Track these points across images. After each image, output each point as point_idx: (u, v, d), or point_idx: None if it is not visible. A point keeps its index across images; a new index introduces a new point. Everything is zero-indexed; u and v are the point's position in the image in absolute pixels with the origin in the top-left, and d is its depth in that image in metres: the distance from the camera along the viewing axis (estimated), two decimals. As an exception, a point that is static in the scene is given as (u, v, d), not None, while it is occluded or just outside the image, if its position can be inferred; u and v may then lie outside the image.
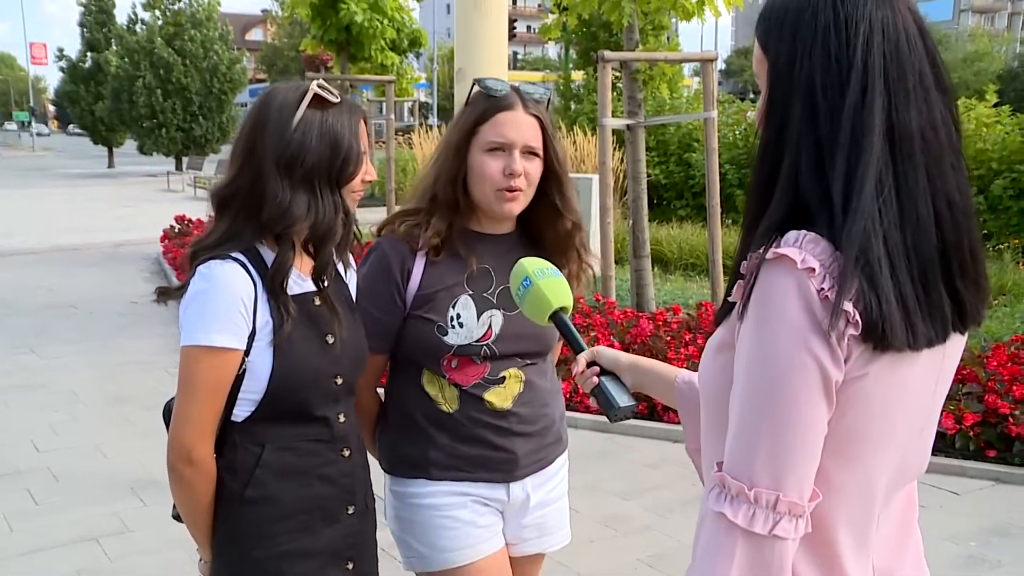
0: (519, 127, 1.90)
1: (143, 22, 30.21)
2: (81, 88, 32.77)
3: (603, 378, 1.56)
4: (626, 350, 5.70)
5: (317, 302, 1.77)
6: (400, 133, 22.08)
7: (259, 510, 1.73)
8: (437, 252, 1.95)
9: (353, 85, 14.22)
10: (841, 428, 1.08)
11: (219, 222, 1.74)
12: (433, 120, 44.60)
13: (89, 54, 32.98)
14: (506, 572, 2.06)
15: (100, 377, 6.52)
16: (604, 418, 5.61)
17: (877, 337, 1.03)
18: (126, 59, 29.10)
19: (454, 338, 1.94)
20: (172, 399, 1.75)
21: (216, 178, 14.82)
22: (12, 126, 70.43)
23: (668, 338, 5.87)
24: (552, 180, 1.98)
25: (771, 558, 1.05)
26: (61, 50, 34.14)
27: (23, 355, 7.13)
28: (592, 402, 1.61)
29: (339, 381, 1.79)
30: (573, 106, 19.13)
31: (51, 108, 77.28)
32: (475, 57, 7.01)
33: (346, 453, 1.82)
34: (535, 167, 1.93)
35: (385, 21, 15.40)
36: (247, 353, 1.67)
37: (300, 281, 1.77)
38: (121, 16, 32.63)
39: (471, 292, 1.96)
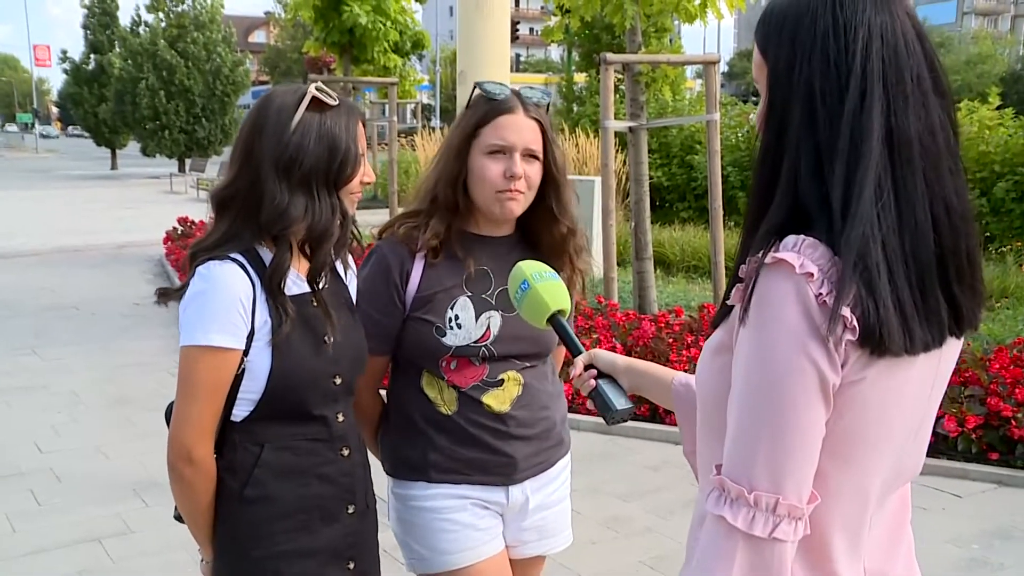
0: (520, 130, 1.91)
1: (146, 24, 30.28)
2: (84, 90, 32.85)
3: (600, 381, 1.56)
4: (628, 352, 5.70)
5: (315, 303, 1.78)
6: (403, 135, 22.10)
7: (258, 509, 1.73)
8: (436, 254, 1.96)
9: (356, 87, 14.24)
10: (838, 431, 1.08)
11: (218, 223, 1.76)
12: (436, 122, 44.62)
13: (92, 56, 33.05)
14: (506, 574, 2.06)
15: (102, 378, 6.53)
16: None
17: (874, 342, 1.04)
18: (129, 61, 29.16)
19: (452, 339, 1.94)
20: (173, 401, 1.75)
21: (218, 180, 14.81)
22: (13, 128, 70.45)
23: (670, 340, 5.87)
24: (550, 184, 1.98)
25: (771, 560, 1.05)
26: (65, 52, 34.19)
27: (25, 356, 7.14)
28: (589, 404, 1.62)
29: (338, 381, 1.79)
30: (575, 108, 19.15)
31: (55, 110, 77.46)
32: (477, 59, 7.02)
33: (345, 452, 1.82)
34: (535, 170, 1.94)
35: (388, 23, 15.44)
36: (246, 353, 1.68)
37: (298, 282, 1.78)
38: (124, 18, 32.75)
39: (470, 294, 1.96)
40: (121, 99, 29.43)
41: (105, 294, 9.67)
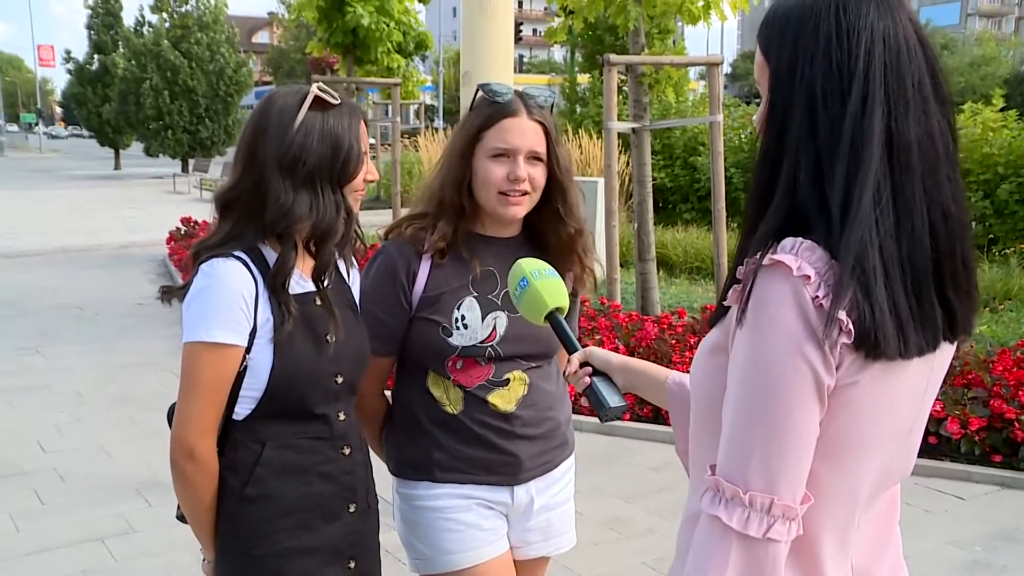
0: (523, 133, 1.91)
1: (150, 25, 30.35)
2: (88, 90, 32.91)
3: (595, 378, 1.57)
4: (631, 353, 5.69)
5: (318, 302, 1.79)
6: (406, 136, 22.11)
7: (259, 508, 1.74)
8: (442, 255, 1.97)
9: (359, 88, 14.25)
10: (830, 433, 1.09)
11: (222, 224, 1.77)
12: (439, 123, 44.65)
13: (96, 56, 33.11)
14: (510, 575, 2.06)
15: (105, 378, 6.54)
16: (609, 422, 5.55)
17: (869, 346, 1.05)
18: (133, 61, 29.22)
19: (459, 339, 1.94)
20: (175, 403, 1.76)
21: (222, 180, 14.82)
22: (14, 128, 70.43)
23: (673, 341, 5.87)
24: (555, 186, 1.99)
25: (765, 560, 1.06)
26: (68, 52, 34.24)
27: (28, 356, 7.15)
28: (583, 401, 1.63)
29: (339, 380, 1.80)
30: (578, 109, 19.16)
31: (58, 110, 77.57)
32: (481, 60, 7.02)
33: (346, 451, 1.83)
34: (539, 172, 1.94)
35: (391, 24, 15.44)
36: (248, 351, 1.69)
37: (301, 281, 1.79)
38: (128, 18, 32.82)
39: (476, 294, 1.97)
40: (125, 99, 29.49)
41: (108, 294, 9.69)
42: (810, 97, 1.09)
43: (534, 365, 2.04)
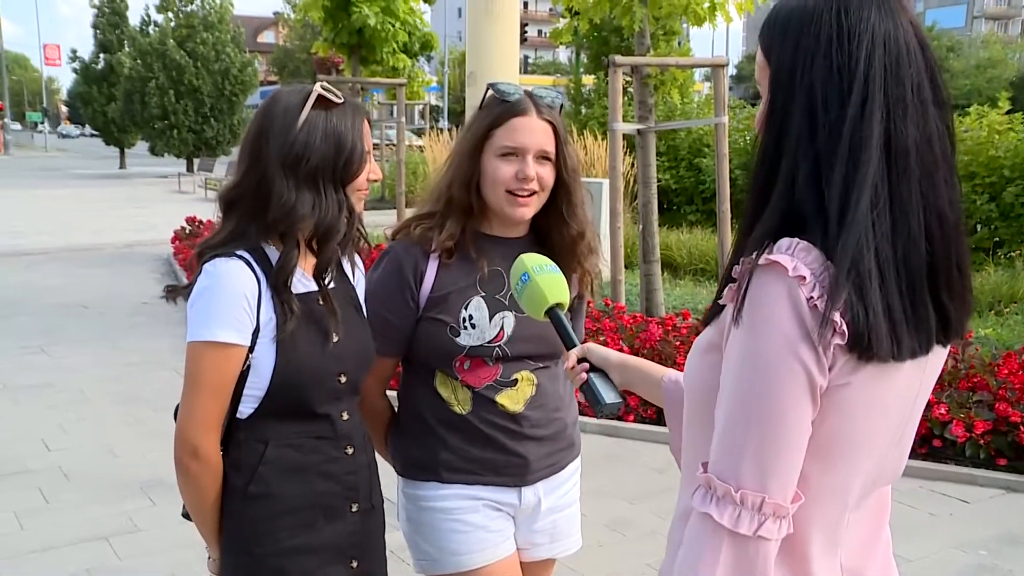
0: (532, 132, 1.91)
1: (156, 24, 30.36)
2: (94, 89, 32.93)
3: (592, 375, 1.58)
4: (635, 355, 5.68)
5: (321, 301, 1.80)
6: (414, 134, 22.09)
7: (261, 506, 1.75)
8: (450, 255, 1.97)
9: (364, 88, 14.26)
10: (821, 434, 1.10)
11: (225, 223, 1.78)
12: (444, 123, 44.65)
13: (102, 55, 33.14)
14: None
15: (109, 377, 6.55)
16: (612, 422, 5.55)
17: (862, 347, 1.05)
18: (139, 61, 29.24)
19: (466, 339, 1.94)
20: None
21: (226, 180, 14.74)
22: (17, 127, 70.41)
23: (677, 343, 5.86)
24: (560, 187, 1.99)
25: (755, 559, 1.07)
26: (74, 51, 34.31)
27: (33, 355, 7.16)
28: (580, 397, 1.65)
29: (343, 380, 1.81)
30: (583, 110, 19.16)
31: (64, 109, 77.65)
32: (486, 61, 7.02)
33: (349, 451, 1.83)
34: (548, 172, 1.94)
35: (397, 24, 15.45)
36: (251, 350, 1.70)
37: (305, 280, 1.80)
38: (134, 18, 32.81)
39: (483, 294, 1.97)
40: (130, 98, 29.51)
41: (113, 293, 9.70)
42: (809, 99, 1.10)
43: (542, 366, 2.03)
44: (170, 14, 29.61)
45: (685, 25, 8.83)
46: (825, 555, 1.17)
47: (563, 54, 59.40)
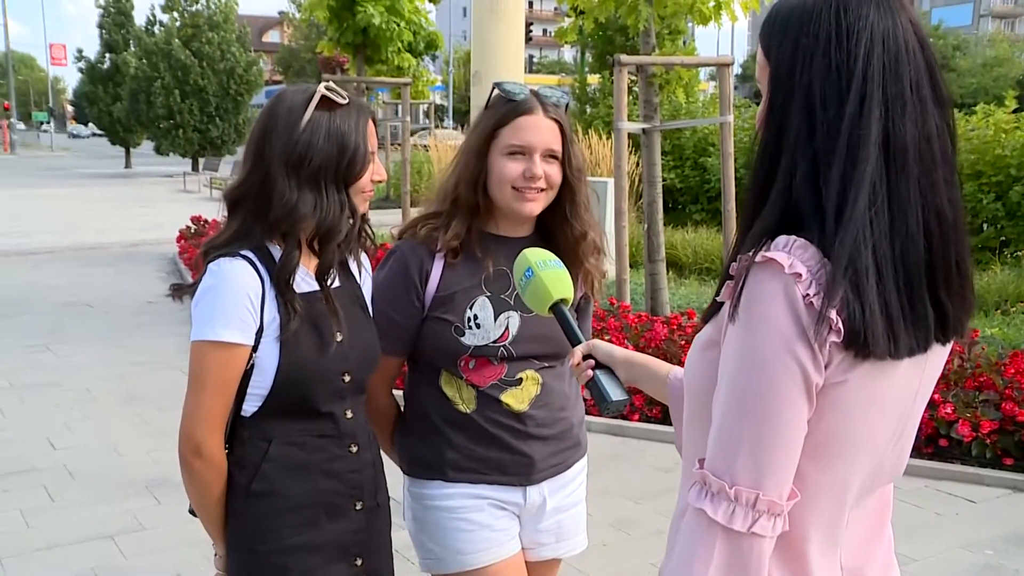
0: (539, 131, 1.91)
1: (161, 24, 30.42)
2: (99, 89, 33.01)
3: (597, 372, 1.58)
4: (640, 354, 5.67)
5: (325, 300, 1.80)
6: (416, 135, 22.11)
7: (264, 504, 1.75)
8: (455, 254, 1.96)
9: (369, 87, 14.26)
10: (819, 432, 1.10)
11: (230, 222, 1.79)
12: (448, 123, 44.66)
13: (108, 55, 33.21)
14: None
15: (115, 376, 6.56)
16: (618, 421, 5.54)
17: (858, 344, 1.05)
18: (144, 60, 29.30)
19: (471, 339, 1.94)
20: None
21: (231, 179, 14.72)
22: (21, 126, 70.42)
23: (682, 342, 5.85)
24: (564, 186, 1.98)
25: (749, 555, 1.07)
26: (80, 51, 34.36)
27: (39, 353, 7.18)
28: (586, 393, 1.64)
29: (347, 379, 1.81)
30: (588, 110, 19.14)
31: (70, 108, 77.82)
32: (491, 60, 7.03)
33: (353, 449, 1.84)
34: (555, 170, 1.94)
35: (402, 24, 15.46)
36: (255, 349, 1.70)
37: (308, 280, 1.80)
38: (139, 18, 32.89)
39: (488, 293, 1.97)
40: (136, 98, 29.57)
41: (119, 292, 9.72)
42: (808, 97, 1.10)
43: (547, 365, 2.03)
44: (175, 14, 29.65)
45: (690, 24, 8.82)
46: (824, 554, 1.17)
47: (568, 53, 59.39)
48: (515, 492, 2.02)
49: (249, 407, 1.75)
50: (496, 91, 1.96)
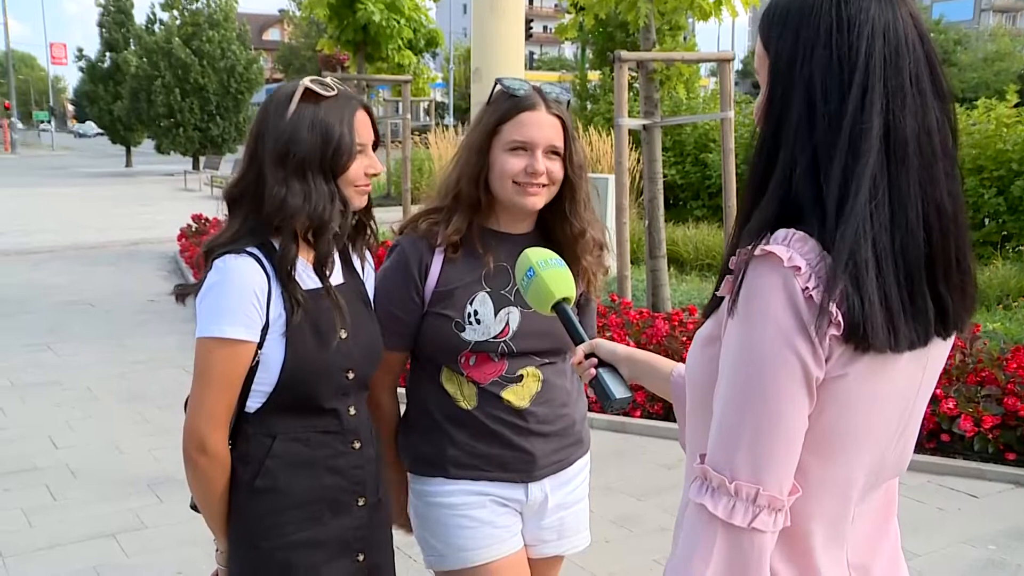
0: (541, 127, 1.91)
1: (161, 22, 30.43)
2: (100, 88, 33.02)
3: (600, 370, 1.57)
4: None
5: (327, 294, 1.80)
6: (416, 133, 22.11)
7: (268, 500, 1.76)
8: (455, 249, 1.96)
9: (369, 85, 14.26)
10: (819, 426, 1.09)
11: (231, 221, 1.80)
12: (449, 120, 44.64)
13: (108, 54, 33.22)
14: (524, 574, 2.05)
15: (116, 374, 6.56)
16: (619, 418, 5.54)
17: (858, 338, 1.05)
18: (144, 59, 29.30)
19: (471, 334, 1.94)
20: None
21: (232, 177, 14.67)
22: (19, 125, 70.24)
23: (683, 339, 5.85)
24: (565, 183, 1.98)
25: (750, 550, 1.07)
26: (81, 50, 34.37)
27: (40, 352, 7.18)
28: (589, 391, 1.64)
29: (350, 375, 1.81)
30: (589, 106, 19.11)
31: (70, 108, 77.79)
32: (491, 57, 7.01)
33: (356, 446, 1.84)
34: (557, 166, 1.94)
35: (402, 21, 15.45)
36: (260, 345, 1.71)
37: (313, 276, 1.80)
38: (140, 16, 32.93)
39: (488, 289, 1.96)
40: (136, 97, 29.57)
41: (120, 290, 9.73)
42: (809, 89, 1.09)
43: (548, 361, 2.03)
44: (175, 12, 29.64)
45: (691, 20, 8.80)
46: (829, 550, 1.16)
47: (568, 50, 59.36)
48: (517, 489, 2.02)
49: (253, 403, 1.75)
50: (498, 87, 1.96)
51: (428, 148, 18.46)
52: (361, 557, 1.86)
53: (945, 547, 3.90)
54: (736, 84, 8.92)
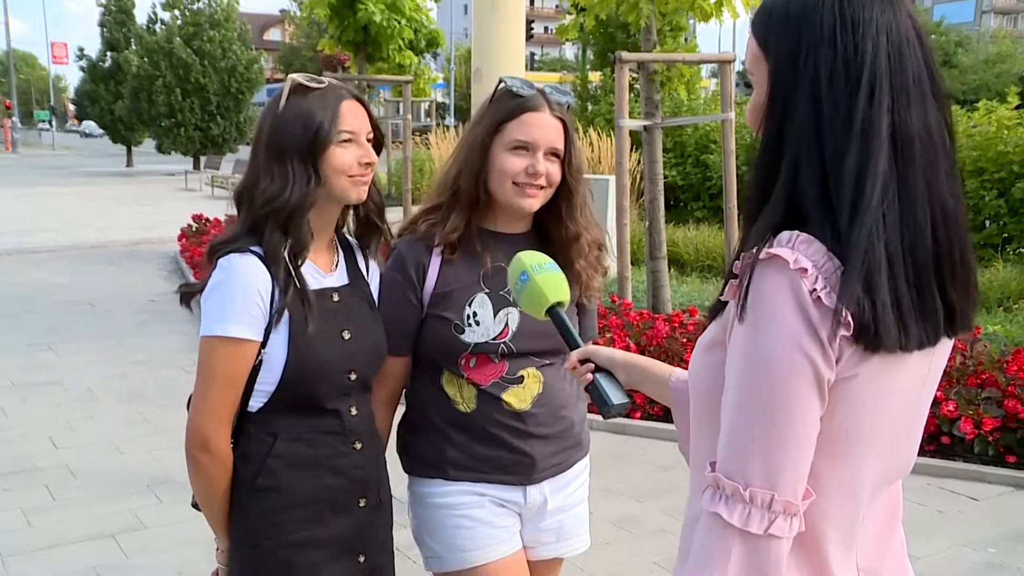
0: (544, 128, 1.91)
1: (162, 22, 30.41)
2: (101, 87, 33.01)
3: (598, 375, 1.56)
4: (642, 352, 5.68)
5: (336, 298, 1.82)
6: (417, 133, 22.11)
7: (269, 499, 1.76)
8: (453, 250, 1.96)
9: (370, 85, 14.26)
10: (831, 427, 1.09)
11: (238, 219, 1.81)
12: (450, 120, 44.65)
13: (109, 54, 33.21)
14: (523, 575, 2.05)
15: (116, 375, 6.56)
16: (619, 420, 5.53)
17: (869, 338, 1.04)
18: (145, 59, 29.29)
19: (471, 336, 1.94)
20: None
21: (233, 177, 14.75)
22: (19, 125, 70.05)
23: (684, 340, 5.84)
24: (562, 186, 1.98)
25: (767, 557, 1.06)
26: (82, 49, 34.36)
27: (40, 352, 7.18)
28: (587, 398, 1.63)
29: (353, 376, 1.82)
30: (590, 107, 19.11)
31: (71, 107, 77.80)
32: (492, 57, 7.00)
33: (357, 446, 1.84)
34: (556, 169, 1.94)
35: (403, 21, 15.42)
36: (264, 345, 1.71)
37: (319, 276, 1.81)
38: (141, 16, 32.91)
39: (487, 290, 1.96)
40: (137, 96, 29.56)
41: (120, 291, 9.72)
42: (814, 88, 1.09)
43: (548, 362, 2.03)
44: (176, 12, 29.64)
45: (692, 21, 8.80)
46: (841, 553, 1.16)
47: (569, 51, 59.36)
48: (516, 491, 2.02)
49: (255, 402, 1.76)
50: (502, 86, 1.96)
51: (429, 149, 18.46)
52: (362, 557, 1.87)
53: (945, 550, 3.90)
54: (737, 85, 8.92)
